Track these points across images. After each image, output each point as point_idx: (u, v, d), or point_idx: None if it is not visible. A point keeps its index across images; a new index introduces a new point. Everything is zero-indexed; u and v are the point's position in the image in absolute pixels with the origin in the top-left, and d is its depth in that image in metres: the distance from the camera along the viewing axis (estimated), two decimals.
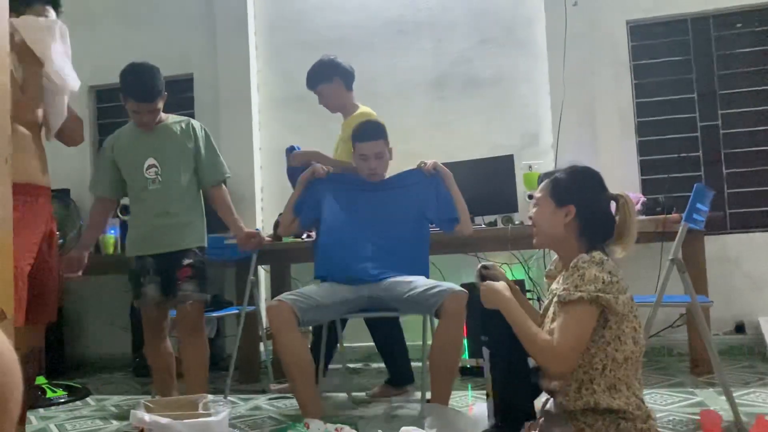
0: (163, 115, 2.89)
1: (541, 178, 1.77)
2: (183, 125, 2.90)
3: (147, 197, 2.79)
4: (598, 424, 1.51)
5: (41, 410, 3.30)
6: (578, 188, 1.68)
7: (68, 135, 2.60)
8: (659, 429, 2.19)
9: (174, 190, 2.80)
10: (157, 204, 2.78)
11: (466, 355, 3.57)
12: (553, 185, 1.69)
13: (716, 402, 2.69)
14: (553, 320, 1.63)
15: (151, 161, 2.81)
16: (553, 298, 1.66)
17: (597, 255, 1.55)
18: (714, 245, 3.72)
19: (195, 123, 2.93)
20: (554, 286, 1.75)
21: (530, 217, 1.76)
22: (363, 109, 3.24)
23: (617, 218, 1.67)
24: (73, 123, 2.61)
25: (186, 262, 2.74)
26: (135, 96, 2.79)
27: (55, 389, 3.50)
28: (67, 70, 2.42)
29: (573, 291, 1.51)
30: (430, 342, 2.58)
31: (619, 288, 1.53)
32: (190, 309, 2.71)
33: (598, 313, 1.51)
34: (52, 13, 2.46)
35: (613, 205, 1.74)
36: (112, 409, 3.28)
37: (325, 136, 3.33)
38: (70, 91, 2.51)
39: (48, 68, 2.32)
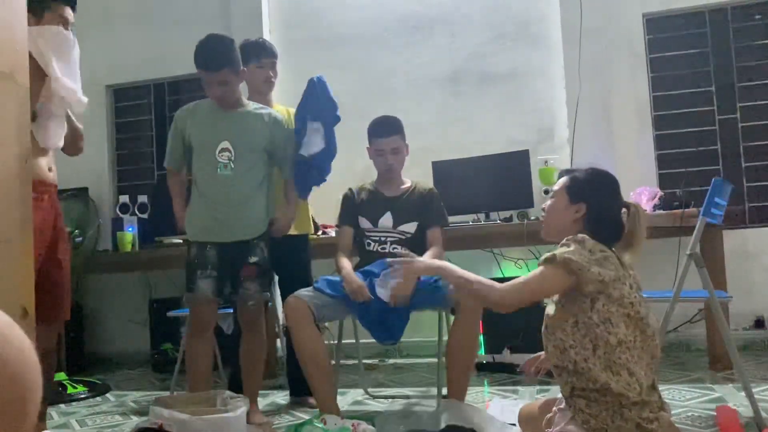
0: (245, 100, 2.81)
1: (561, 173, 1.82)
2: (267, 115, 2.79)
3: (215, 182, 2.65)
4: (602, 415, 1.53)
5: (62, 406, 3.35)
6: (593, 188, 1.73)
7: (66, 147, 2.55)
8: (678, 425, 2.18)
9: (245, 179, 2.66)
10: (226, 191, 2.65)
11: (482, 351, 3.57)
12: (571, 181, 1.75)
13: (735, 398, 2.67)
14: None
15: (225, 144, 2.66)
16: None
17: (580, 235, 1.62)
18: (733, 240, 3.68)
19: (278, 115, 2.85)
20: None
21: (543, 208, 1.82)
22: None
23: (627, 226, 1.71)
24: (72, 135, 2.54)
25: (252, 259, 2.67)
26: (200, 64, 2.68)
27: (75, 385, 3.55)
28: (70, 84, 2.32)
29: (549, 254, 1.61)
30: (446, 338, 2.58)
31: (598, 262, 1.56)
32: (251, 307, 2.72)
33: (566, 278, 1.57)
34: (70, 13, 2.47)
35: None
36: (132, 404, 3.32)
37: (340, 135, 3.33)
38: (74, 104, 2.46)
39: (53, 81, 2.28)
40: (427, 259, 1.79)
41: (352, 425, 2.24)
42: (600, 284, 1.55)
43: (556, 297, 1.67)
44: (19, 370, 0.58)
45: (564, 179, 1.77)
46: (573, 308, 1.59)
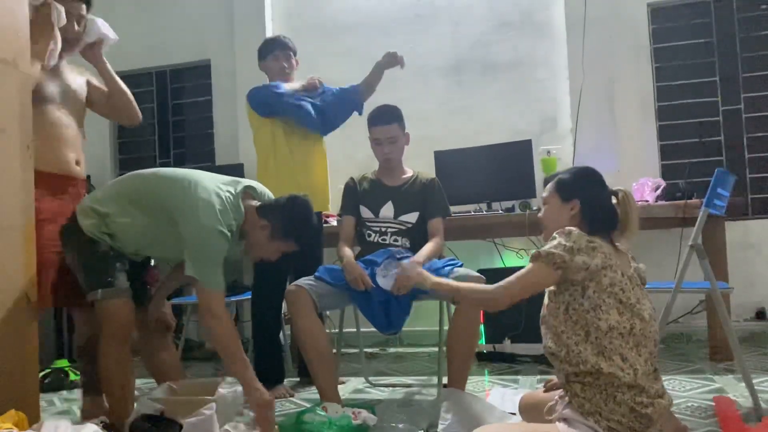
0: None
1: (547, 180, 1.91)
2: None
3: None
4: (596, 398, 1.56)
5: (64, 392, 3.36)
6: (581, 184, 1.81)
7: (118, 110, 2.69)
8: (678, 416, 2.19)
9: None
10: None
11: (482, 341, 3.58)
12: (558, 184, 1.83)
13: (735, 389, 2.68)
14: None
15: None
16: None
17: (567, 228, 1.68)
18: (735, 231, 3.68)
19: None
20: None
21: (539, 217, 1.89)
22: None
23: (619, 211, 1.78)
24: (119, 96, 2.66)
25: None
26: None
27: (78, 372, 3.56)
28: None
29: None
30: (447, 327, 2.59)
31: (583, 251, 1.62)
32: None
33: (553, 272, 1.64)
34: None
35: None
36: (134, 392, 3.32)
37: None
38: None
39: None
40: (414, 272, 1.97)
41: (353, 413, 2.25)
42: (587, 272, 1.61)
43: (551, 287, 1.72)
44: None
45: (552, 184, 1.85)
46: (565, 296, 1.66)
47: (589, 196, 1.77)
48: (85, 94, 2.63)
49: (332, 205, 3.42)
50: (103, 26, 2.60)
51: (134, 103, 2.72)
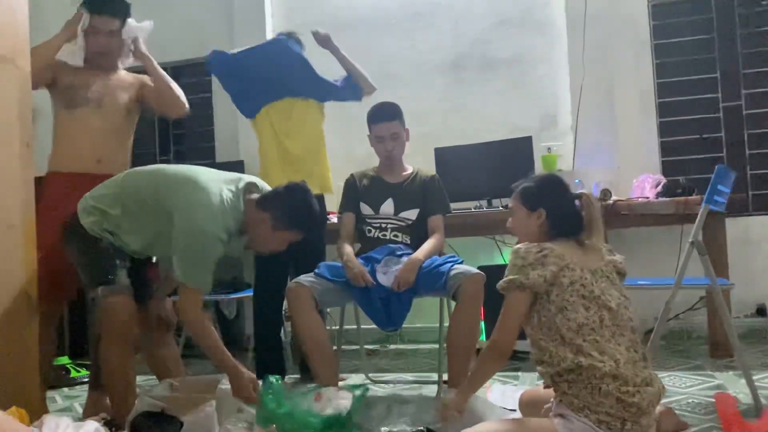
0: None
1: (512, 189, 1.94)
2: None
3: None
4: (582, 393, 1.58)
5: (65, 389, 3.37)
6: (545, 193, 1.86)
7: (166, 105, 2.80)
8: (678, 412, 2.19)
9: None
10: None
11: (483, 338, 3.58)
12: (523, 194, 1.88)
13: (736, 385, 2.68)
14: None
15: None
16: None
17: (516, 246, 1.76)
18: (736, 227, 3.67)
19: None
20: None
21: (508, 226, 1.94)
22: None
23: (584, 214, 1.83)
24: (164, 89, 2.76)
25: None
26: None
27: (78, 369, 3.57)
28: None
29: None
30: (447, 324, 2.59)
31: (535, 264, 1.68)
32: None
33: (524, 294, 1.70)
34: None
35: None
36: (136, 388, 3.33)
37: (340, 121, 3.33)
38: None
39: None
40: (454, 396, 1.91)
41: (316, 395, 2.20)
42: (545, 282, 1.66)
43: None
44: None
45: (516, 194, 1.90)
46: (536, 306, 1.70)
47: (554, 204, 1.82)
48: (130, 98, 2.76)
49: (333, 202, 3.41)
50: (131, 25, 2.81)
51: (178, 93, 2.82)
